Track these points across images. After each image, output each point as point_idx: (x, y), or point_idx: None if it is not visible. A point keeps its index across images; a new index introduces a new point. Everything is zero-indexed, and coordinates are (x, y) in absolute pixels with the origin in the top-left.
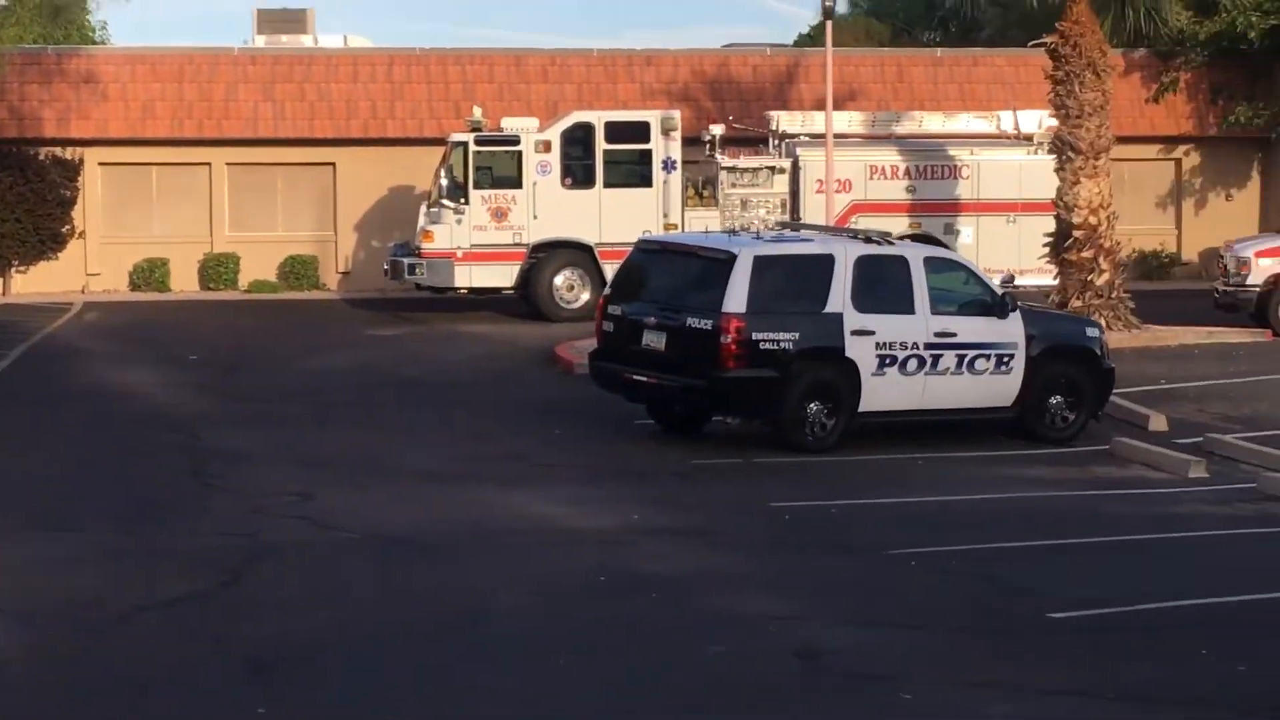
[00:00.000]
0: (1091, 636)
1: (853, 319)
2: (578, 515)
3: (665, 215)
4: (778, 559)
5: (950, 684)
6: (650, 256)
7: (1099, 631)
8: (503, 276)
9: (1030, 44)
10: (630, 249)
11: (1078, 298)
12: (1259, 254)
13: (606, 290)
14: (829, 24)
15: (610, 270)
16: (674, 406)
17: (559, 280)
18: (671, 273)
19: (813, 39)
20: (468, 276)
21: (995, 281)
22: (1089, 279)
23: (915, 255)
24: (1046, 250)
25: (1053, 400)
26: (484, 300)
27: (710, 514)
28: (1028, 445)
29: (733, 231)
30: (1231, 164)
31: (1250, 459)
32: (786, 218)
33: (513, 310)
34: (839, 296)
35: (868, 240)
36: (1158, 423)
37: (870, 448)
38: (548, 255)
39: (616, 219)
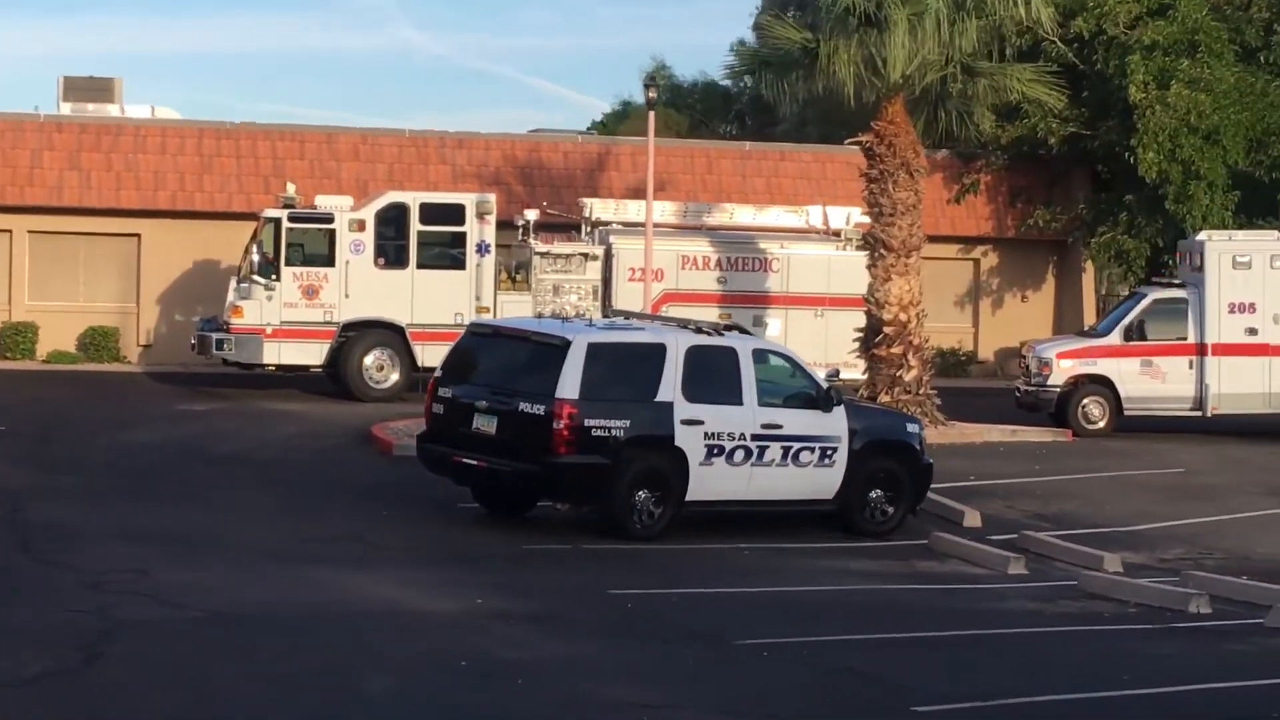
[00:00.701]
0: None
1: (683, 408)
2: (422, 598)
3: (478, 298)
4: (632, 647)
5: None
6: (482, 340)
7: None
8: (312, 354)
9: (847, 141)
10: (442, 330)
11: (886, 393)
12: (1060, 355)
13: (437, 373)
14: (651, 114)
15: (421, 351)
16: (502, 490)
17: (369, 360)
18: (504, 357)
19: (606, 126)
20: (276, 353)
21: (820, 375)
22: (898, 374)
23: (744, 347)
24: (856, 345)
25: (873, 494)
26: (289, 378)
27: (552, 600)
28: (847, 538)
29: (565, 318)
30: (1028, 265)
31: (1064, 557)
32: (598, 304)
33: (319, 389)
34: (670, 385)
35: (698, 330)
36: (972, 519)
37: (696, 537)
38: (358, 334)
39: (429, 300)
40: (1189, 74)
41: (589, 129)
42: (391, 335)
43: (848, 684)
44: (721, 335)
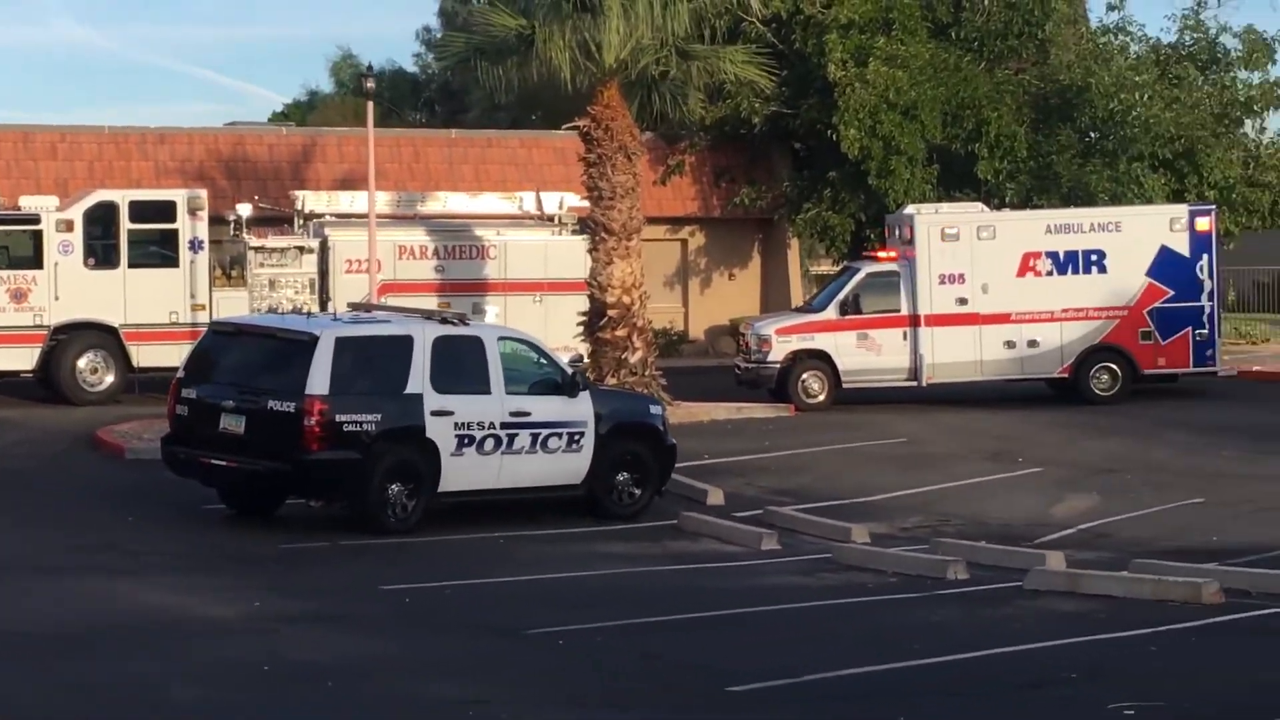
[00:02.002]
0: (788, 708)
1: (432, 399)
2: (200, 604)
3: (193, 296)
4: (429, 643)
5: None
6: (224, 338)
7: (793, 703)
8: (22, 359)
9: (564, 127)
10: (157, 330)
11: (612, 375)
12: (778, 331)
13: (179, 373)
14: (370, 104)
15: (136, 352)
16: (251, 490)
17: (82, 363)
18: (248, 355)
19: (288, 116)
20: None
21: (565, 361)
22: (623, 357)
23: (490, 335)
24: (579, 329)
25: (620, 477)
26: None
27: (329, 599)
28: (596, 522)
29: (308, 313)
30: (734, 244)
31: (811, 530)
32: (315, 298)
33: (28, 393)
34: (418, 377)
35: (444, 321)
36: (715, 497)
37: (450, 528)
38: (70, 337)
39: (142, 300)
40: (885, 51)
41: (270, 120)
42: (105, 336)
43: (657, 667)
44: (467, 325)
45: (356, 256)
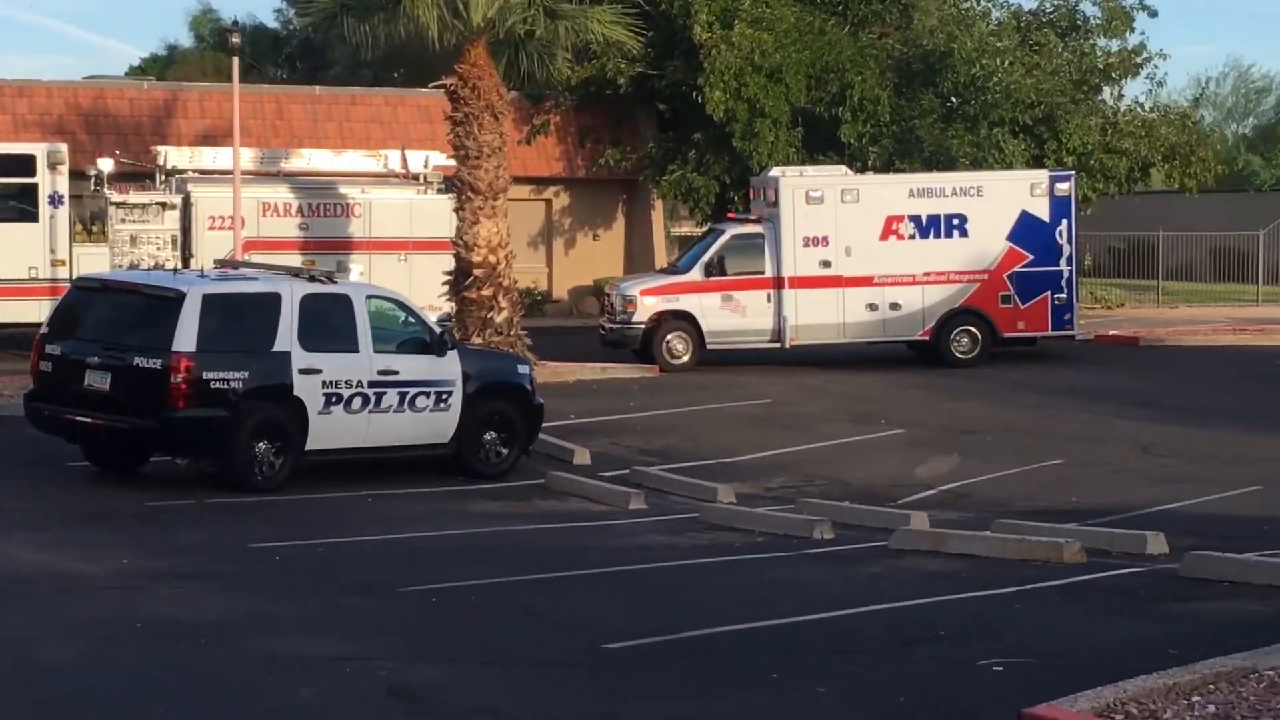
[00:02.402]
0: (666, 665)
1: (300, 357)
2: (68, 560)
3: (53, 251)
4: (301, 600)
5: (566, 717)
6: (90, 295)
7: (668, 660)
8: None
9: (431, 85)
10: (15, 286)
11: (478, 335)
12: (644, 292)
13: (43, 329)
14: (235, 60)
15: None
16: (116, 447)
17: None
18: (115, 311)
19: (145, 71)
20: None
21: (433, 320)
22: (489, 316)
23: (358, 294)
24: (446, 288)
25: (488, 436)
26: None
27: (199, 557)
28: (464, 481)
29: (176, 270)
30: (599, 205)
31: (678, 490)
32: (177, 254)
33: None
34: (286, 335)
35: (312, 279)
36: (581, 456)
37: (318, 486)
38: None
39: (0, 254)
40: (751, 13)
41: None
42: None
43: (532, 625)
44: (335, 283)
45: (219, 213)
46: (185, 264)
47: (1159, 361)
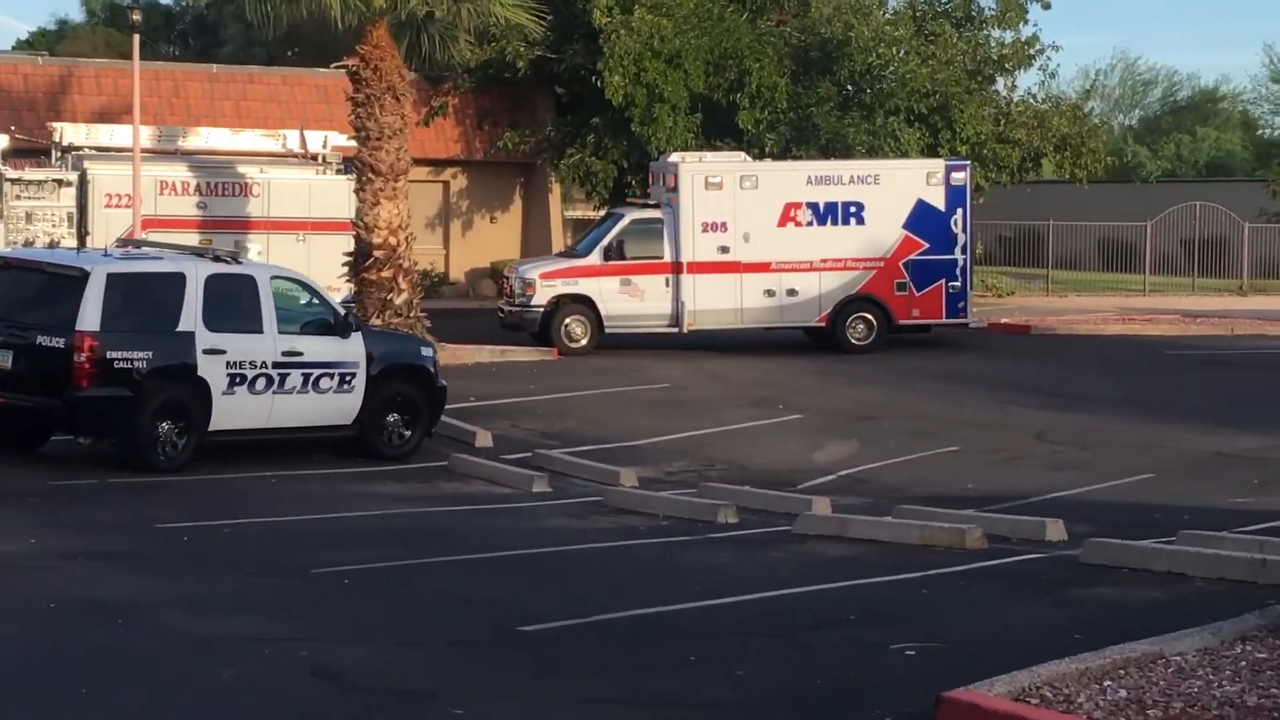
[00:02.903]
0: (583, 647)
1: (204, 338)
2: None
3: None
4: (213, 581)
5: (490, 698)
6: None
7: (586, 641)
8: None
9: (333, 65)
10: None
11: (378, 316)
12: (543, 276)
13: None
14: (135, 37)
15: None
16: (16, 426)
17: None
18: (17, 289)
19: (33, 45)
20: None
21: (338, 301)
22: (389, 298)
23: (263, 275)
24: (345, 269)
25: (390, 418)
26: None
27: (106, 536)
28: (366, 463)
29: (79, 248)
30: (497, 187)
31: (580, 473)
32: (73, 231)
33: None
34: (191, 315)
35: (216, 259)
36: (483, 439)
37: (220, 467)
38: None
39: None
40: None
41: (14, 49)
42: None
43: (447, 606)
44: (240, 264)
45: (117, 191)
46: (81, 242)
47: (1050, 349)
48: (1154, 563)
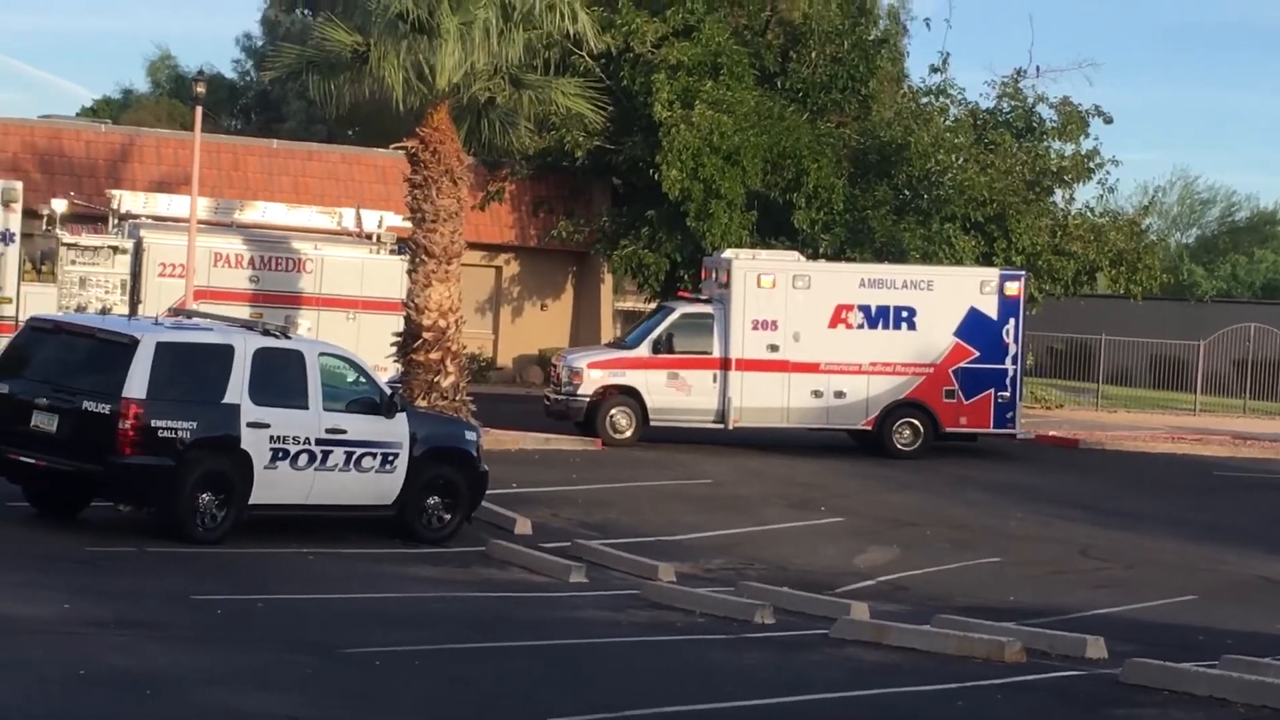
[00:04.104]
0: None
1: (249, 411)
2: (4, 602)
3: (1, 289)
4: (245, 656)
5: None
6: (42, 335)
7: None
8: None
9: (393, 146)
10: None
11: (424, 398)
12: (591, 365)
13: None
14: (199, 110)
15: None
16: (58, 490)
17: None
18: (66, 353)
19: (97, 113)
20: None
21: (384, 380)
22: (435, 380)
23: (311, 351)
24: (394, 349)
25: (431, 500)
26: None
27: (141, 606)
28: (404, 544)
29: (130, 316)
30: (549, 275)
31: (619, 566)
32: (125, 299)
33: None
34: (237, 387)
35: (266, 333)
36: (522, 526)
37: (258, 541)
38: None
39: None
40: (712, 95)
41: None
42: None
43: (473, 694)
44: (289, 338)
45: (171, 260)
46: (134, 310)
47: (1098, 465)
48: (1195, 686)
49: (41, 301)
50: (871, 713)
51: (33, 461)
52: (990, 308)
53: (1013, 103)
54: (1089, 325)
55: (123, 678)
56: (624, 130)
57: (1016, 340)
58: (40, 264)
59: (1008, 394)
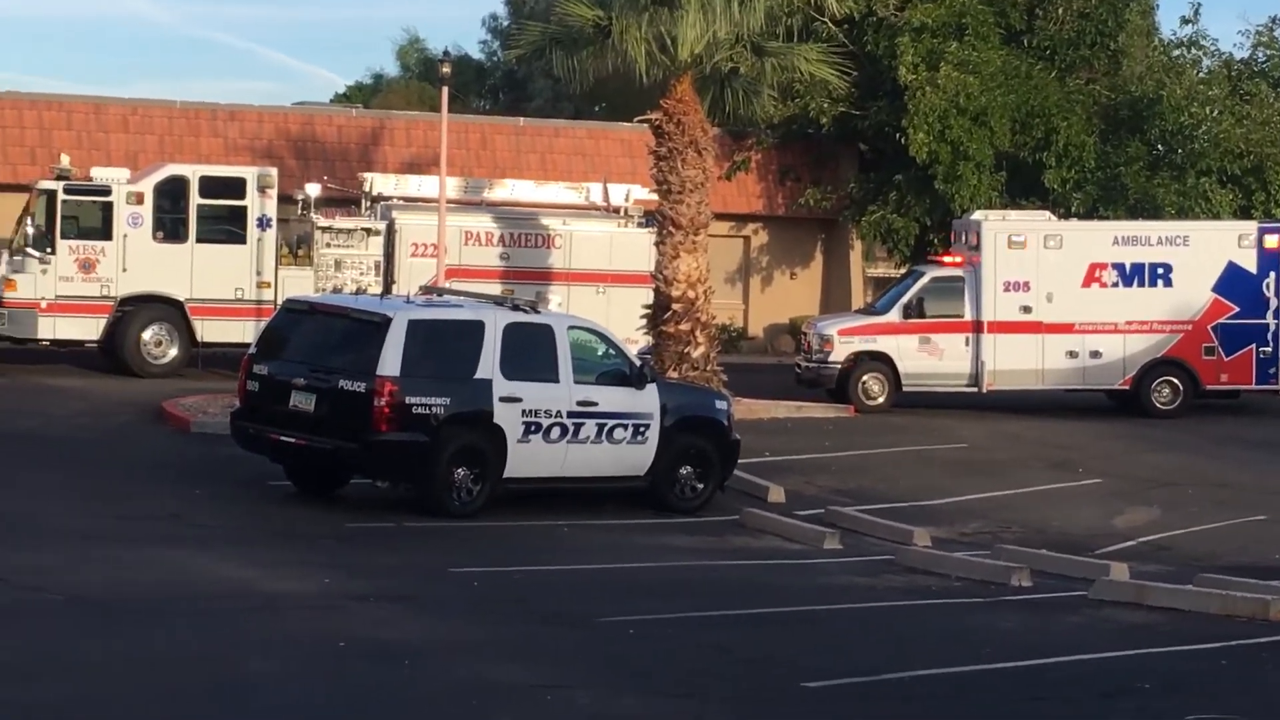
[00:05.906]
0: (866, 705)
1: (501, 385)
2: (268, 578)
3: (259, 273)
4: (500, 627)
5: None
6: (298, 316)
7: (867, 700)
8: (88, 329)
9: (637, 119)
10: (223, 306)
11: (674, 369)
12: (841, 332)
13: (251, 349)
14: (445, 90)
15: (201, 326)
16: (317, 468)
17: (147, 335)
18: (322, 334)
19: (350, 99)
20: (51, 328)
21: (634, 352)
22: (685, 351)
23: (560, 325)
24: (644, 322)
25: (683, 470)
26: (59, 353)
27: (399, 579)
28: (657, 514)
29: (382, 295)
30: (797, 243)
31: (873, 532)
32: (380, 280)
33: (92, 364)
34: (489, 363)
35: (515, 308)
36: (776, 494)
37: (513, 514)
38: (136, 309)
39: (208, 275)
40: (957, 56)
41: (333, 101)
42: (170, 310)
43: (730, 661)
44: (538, 313)
45: (423, 240)
46: (387, 289)
47: None
48: None
49: (298, 285)
50: (1131, 673)
51: (293, 440)
52: (1249, 261)
53: (1269, 51)
54: None
55: (382, 650)
56: (869, 95)
57: (1277, 294)
58: (296, 248)
59: (1270, 349)
